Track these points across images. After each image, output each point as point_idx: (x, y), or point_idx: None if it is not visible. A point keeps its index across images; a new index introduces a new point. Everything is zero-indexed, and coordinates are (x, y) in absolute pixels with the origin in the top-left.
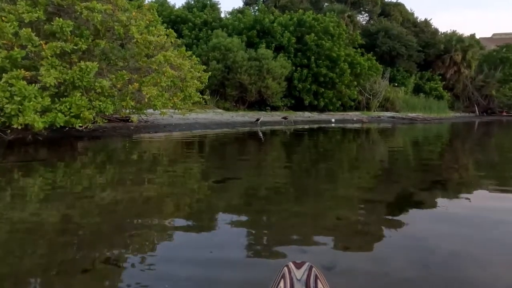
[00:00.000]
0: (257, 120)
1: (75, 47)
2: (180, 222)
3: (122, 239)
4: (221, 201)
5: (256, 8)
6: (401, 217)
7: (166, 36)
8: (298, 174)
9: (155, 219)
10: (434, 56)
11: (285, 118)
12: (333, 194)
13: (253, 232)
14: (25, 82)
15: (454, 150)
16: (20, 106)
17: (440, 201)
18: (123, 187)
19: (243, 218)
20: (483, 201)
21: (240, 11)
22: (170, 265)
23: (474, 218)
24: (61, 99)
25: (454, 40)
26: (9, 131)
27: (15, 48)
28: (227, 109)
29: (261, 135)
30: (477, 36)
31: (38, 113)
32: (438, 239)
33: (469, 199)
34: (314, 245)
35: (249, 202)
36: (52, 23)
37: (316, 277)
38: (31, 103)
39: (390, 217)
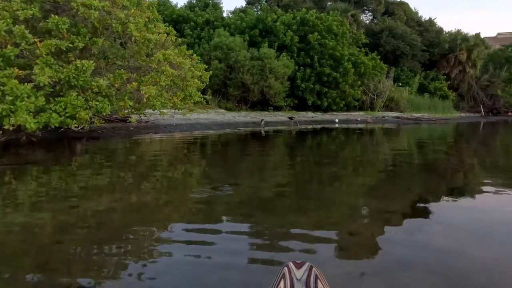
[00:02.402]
0: (262, 120)
1: (71, 45)
2: (173, 243)
3: (107, 259)
4: (219, 212)
5: (259, 7)
6: (421, 232)
7: (166, 35)
8: (304, 180)
9: (147, 234)
10: (438, 55)
11: (291, 118)
12: (342, 203)
13: (253, 249)
14: (17, 81)
15: (464, 152)
16: (12, 106)
17: (462, 211)
18: (116, 194)
19: (242, 231)
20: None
21: (242, 10)
22: None
23: (506, 233)
24: (56, 99)
25: (459, 39)
26: (0, 132)
27: (8, 46)
28: (229, 109)
29: (265, 135)
30: (482, 36)
31: (31, 114)
32: (467, 260)
33: (497, 209)
34: (327, 267)
35: (250, 213)
36: (47, 20)
37: (316, 277)
38: (23, 103)
39: (408, 233)
